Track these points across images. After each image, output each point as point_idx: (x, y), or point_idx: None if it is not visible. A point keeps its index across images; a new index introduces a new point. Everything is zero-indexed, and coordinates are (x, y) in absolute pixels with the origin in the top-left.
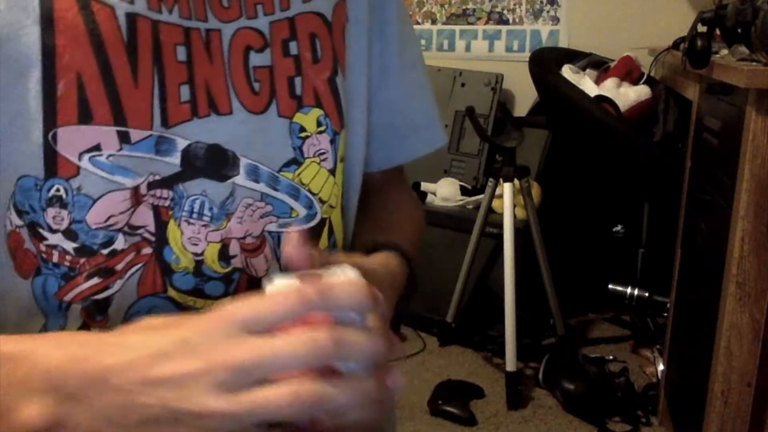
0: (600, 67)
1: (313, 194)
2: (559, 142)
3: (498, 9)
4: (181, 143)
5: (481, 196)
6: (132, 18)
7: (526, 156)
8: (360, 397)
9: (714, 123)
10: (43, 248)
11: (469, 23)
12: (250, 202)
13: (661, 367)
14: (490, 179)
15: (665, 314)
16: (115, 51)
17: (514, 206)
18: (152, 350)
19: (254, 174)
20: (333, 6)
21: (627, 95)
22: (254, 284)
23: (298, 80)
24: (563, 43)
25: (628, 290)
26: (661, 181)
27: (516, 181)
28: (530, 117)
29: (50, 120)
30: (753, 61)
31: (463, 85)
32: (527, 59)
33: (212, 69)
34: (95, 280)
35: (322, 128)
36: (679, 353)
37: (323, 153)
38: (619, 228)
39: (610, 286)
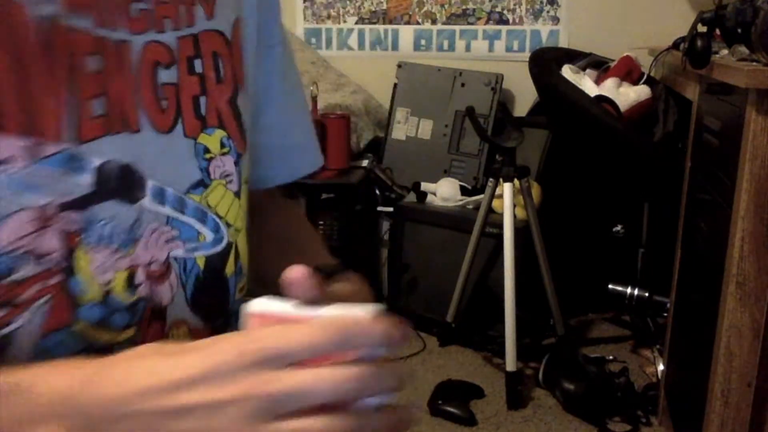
0: (600, 67)
1: (220, 218)
2: (559, 142)
3: (498, 9)
4: (94, 161)
5: (481, 196)
6: (47, 23)
7: (526, 156)
8: (387, 428)
9: (714, 123)
10: None
11: (469, 23)
12: (156, 226)
13: (661, 367)
14: (490, 179)
15: (665, 314)
16: (30, 56)
17: (514, 206)
18: (175, 376)
19: (160, 196)
20: (231, 24)
21: (627, 95)
22: (158, 315)
23: (202, 100)
24: (563, 43)
25: (628, 290)
26: (661, 181)
27: (516, 181)
28: (530, 117)
29: None
30: (753, 61)
31: (463, 85)
32: (527, 59)
33: (123, 83)
34: None
35: (225, 150)
36: (679, 353)
37: (229, 175)
38: (619, 228)
39: (610, 286)
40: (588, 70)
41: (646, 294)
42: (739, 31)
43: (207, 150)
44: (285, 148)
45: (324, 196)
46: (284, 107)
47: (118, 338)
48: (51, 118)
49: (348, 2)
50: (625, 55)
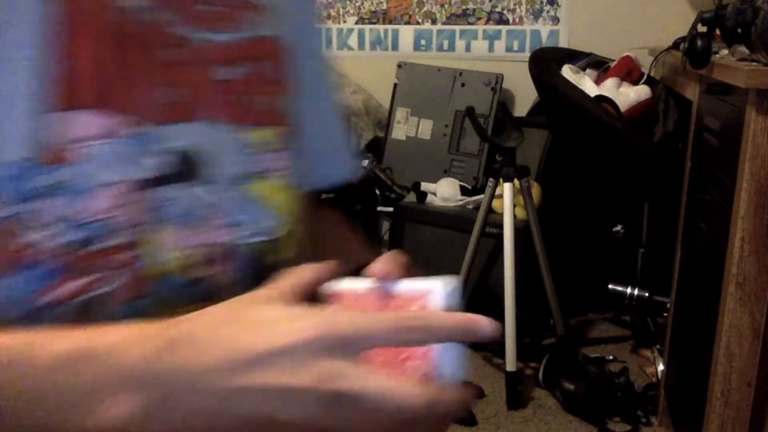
0: (600, 67)
1: (272, 208)
2: (559, 142)
3: (498, 9)
4: (162, 145)
5: (481, 196)
6: (127, 14)
7: (526, 156)
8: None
9: (714, 123)
10: (21, 244)
11: (469, 23)
12: (213, 211)
13: (661, 367)
14: (490, 179)
15: (665, 314)
16: (108, 43)
17: (514, 206)
18: (253, 352)
19: (217, 184)
20: (283, 31)
21: (627, 95)
22: (216, 295)
23: (259, 98)
24: (563, 43)
25: (628, 290)
26: (661, 181)
27: (516, 181)
28: (530, 117)
29: (40, 105)
30: (753, 61)
31: (463, 85)
32: (527, 59)
33: (192, 76)
34: (75, 282)
35: (276, 146)
36: (679, 353)
37: (280, 170)
38: (619, 228)
39: (610, 286)
40: (588, 70)
41: (646, 294)
42: (739, 31)
43: (258, 145)
44: (320, 154)
45: (323, 195)
46: (322, 113)
47: (180, 314)
48: (125, 102)
49: (348, 2)
50: (625, 55)
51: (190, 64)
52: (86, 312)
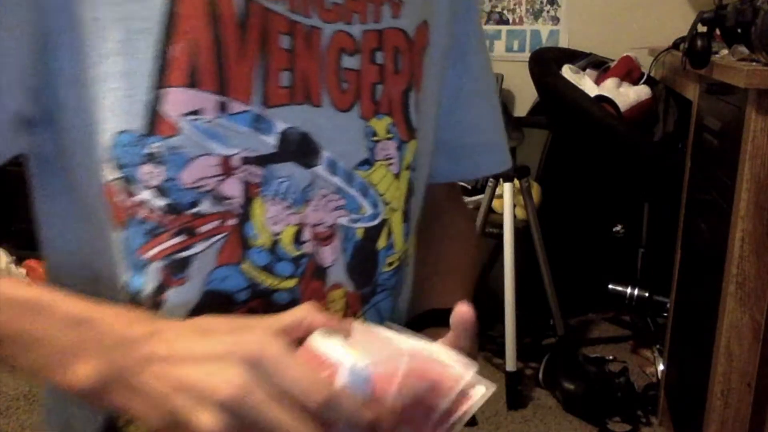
0: (600, 67)
1: (380, 195)
2: (559, 142)
3: (498, 9)
4: (280, 125)
5: (481, 196)
6: (247, 1)
7: (526, 156)
8: None
9: (714, 123)
10: (133, 203)
11: None
12: (326, 192)
13: (661, 367)
14: (490, 179)
15: (665, 314)
16: (228, 27)
17: (514, 206)
18: (189, 352)
19: (333, 167)
20: (416, 27)
21: (627, 95)
22: (319, 274)
23: (379, 87)
24: (563, 43)
25: (628, 290)
26: (661, 181)
27: (516, 181)
28: (530, 117)
29: (159, 80)
30: (753, 61)
31: None
32: (527, 59)
33: (310, 62)
34: (178, 239)
35: (390, 135)
36: (679, 353)
37: (390, 158)
38: (619, 228)
39: (610, 286)
40: (588, 70)
41: (646, 294)
42: (739, 31)
43: (375, 133)
44: (471, 146)
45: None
46: (475, 107)
47: (279, 285)
48: (241, 82)
49: None
50: (625, 55)
51: (312, 51)
52: (185, 268)
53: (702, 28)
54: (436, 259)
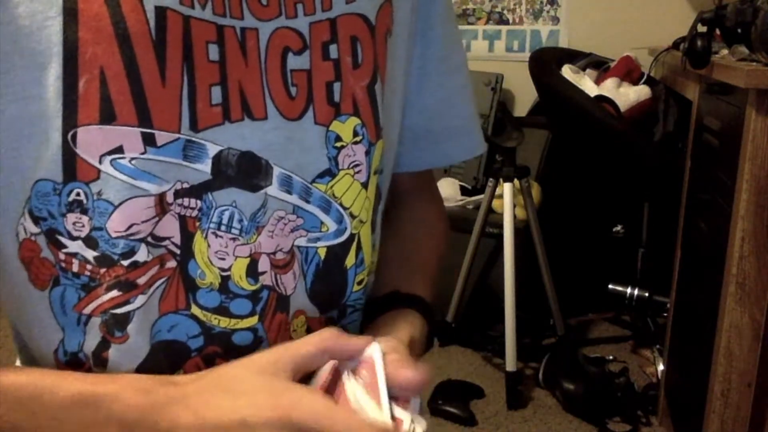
0: (600, 67)
1: (345, 208)
2: (559, 142)
3: (498, 9)
4: (212, 149)
5: (481, 196)
6: (161, 12)
7: (526, 156)
8: None
9: (714, 123)
10: (62, 257)
11: (469, 23)
12: (282, 214)
13: (661, 367)
14: (490, 179)
15: (665, 314)
16: (142, 47)
17: (514, 206)
18: (221, 420)
19: (287, 185)
20: (377, 7)
21: (627, 95)
22: (282, 304)
23: (336, 86)
24: (563, 43)
25: (628, 290)
26: (661, 181)
27: (516, 181)
28: (530, 117)
29: (70, 119)
30: (753, 61)
31: None
32: (527, 59)
33: (247, 70)
34: (115, 293)
35: (358, 138)
36: (679, 353)
37: (358, 165)
38: (619, 228)
39: (610, 286)
40: (588, 70)
41: (646, 294)
42: (739, 31)
43: (338, 138)
44: (439, 132)
45: None
46: (441, 90)
47: (237, 325)
48: (165, 108)
49: None
50: (625, 55)
51: (248, 57)
52: (127, 323)
53: (702, 28)
54: (400, 240)
